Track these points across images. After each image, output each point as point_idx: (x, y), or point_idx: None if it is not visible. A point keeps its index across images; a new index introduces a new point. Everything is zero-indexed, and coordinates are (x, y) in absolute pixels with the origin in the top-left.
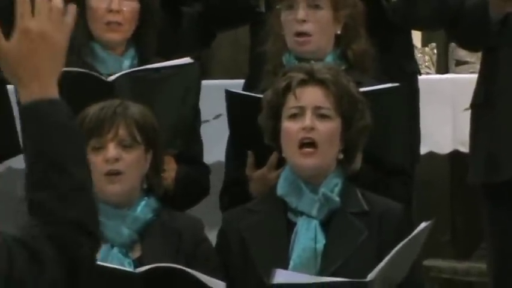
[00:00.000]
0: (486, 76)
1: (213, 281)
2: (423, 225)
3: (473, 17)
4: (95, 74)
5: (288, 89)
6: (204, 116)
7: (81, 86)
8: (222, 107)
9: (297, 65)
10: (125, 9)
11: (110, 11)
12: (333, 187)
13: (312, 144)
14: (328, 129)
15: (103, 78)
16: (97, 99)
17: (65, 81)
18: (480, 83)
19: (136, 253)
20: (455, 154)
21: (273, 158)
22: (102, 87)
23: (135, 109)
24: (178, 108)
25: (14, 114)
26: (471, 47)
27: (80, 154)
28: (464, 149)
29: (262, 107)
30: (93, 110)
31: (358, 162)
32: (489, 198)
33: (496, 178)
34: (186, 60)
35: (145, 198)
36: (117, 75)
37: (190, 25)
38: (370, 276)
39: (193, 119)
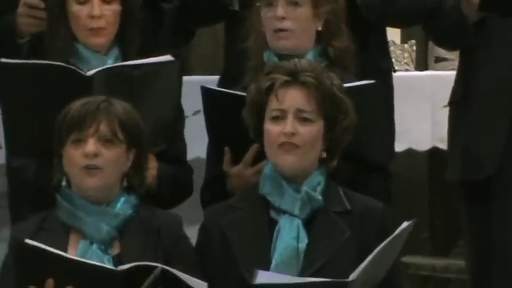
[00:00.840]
0: (464, 75)
1: (194, 281)
2: (404, 224)
3: (450, 18)
4: (73, 67)
5: (271, 89)
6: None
7: (59, 80)
8: (201, 103)
9: (281, 63)
10: (106, 13)
11: (92, 17)
12: (315, 186)
13: (293, 145)
14: (309, 133)
15: (82, 72)
16: (75, 94)
17: (44, 75)
18: (458, 81)
19: (116, 250)
20: (434, 151)
21: (249, 154)
22: (81, 82)
23: (119, 106)
24: (159, 106)
25: None
26: (448, 47)
27: None
28: (444, 146)
29: (243, 103)
30: (77, 104)
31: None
32: (467, 196)
33: (473, 177)
34: (167, 57)
35: (125, 195)
36: (95, 70)
37: (171, 22)
38: (352, 276)
39: (176, 118)
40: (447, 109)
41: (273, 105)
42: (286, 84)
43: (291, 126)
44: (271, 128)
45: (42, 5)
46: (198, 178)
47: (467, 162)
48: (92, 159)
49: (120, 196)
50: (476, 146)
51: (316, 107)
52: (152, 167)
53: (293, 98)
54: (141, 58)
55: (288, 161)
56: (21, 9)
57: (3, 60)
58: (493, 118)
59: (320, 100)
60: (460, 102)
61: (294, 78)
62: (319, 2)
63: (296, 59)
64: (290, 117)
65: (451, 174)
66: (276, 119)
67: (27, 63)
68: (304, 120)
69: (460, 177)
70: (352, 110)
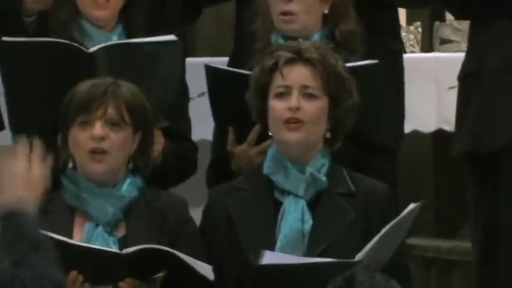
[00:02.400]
0: (478, 46)
1: (200, 264)
2: (411, 206)
3: None
4: (75, 44)
5: (275, 67)
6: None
7: (61, 57)
8: (206, 85)
9: (285, 43)
10: None
11: None
12: (320, 167)
13: (298, 121)
14: (314, 108)
15: (83, 49)
16: (78, 70)
17: (46, 52)
18: (469, 53)
19: (121, 232)
20: (439, 133)
21: (253, 134)
22: (83, 58)
23: (126, 89)
24: (161, 84)
25: None
26: (467, 18)
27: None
28: (449, 127)
29: (247, 82)
30: (84, 86)
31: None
32: (475, 173)
33: (484, 149)
34: (170, 37)
35: (131, 177)
36: (97, 46)
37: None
38: (358, 257)
39: (181, 96)
40: (452, 91)
41: (278, 82)
42: (290, 61)
43: (296, 101)
44: (276, 104)
45: None
46: (204, 160)
47: (478, 134)
48: (99, 142)
49: (126, 178)
50: (489, 118)
51: (321, 84)
52: (159, 142)
53: (298, 74)
54: (146, 36)
55: (293, 137)
56: None
57: (5, 38)
58: (508, 90)
59: (325, 77)
60: (473, 75)
61: (298, 55)
62: None
63: (300, 39)
64: (295, 93)
65: (459, 147)
66: (280, 95)
67: (28, 41)
68: (309, 96)
69: (471, 149)
70: (355, 91)
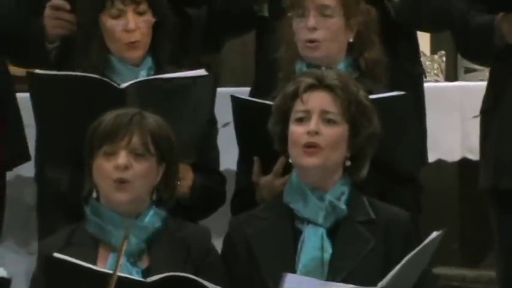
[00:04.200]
0: (496, 81)
1: None
2: (434, 234)
3: (478, 38)
4: (107, 80)
5: (296, 93)
6: None
7: (93, 92)
8: (231, 116)
9: (308, 70)
10: (141, 25)
11: (127, 31)
12: (339, 195)
13: (315, 145)
14: (333, 134)
15: (115, 84)
16: (109, 106)
17: (78, 86)
18: (490, 88)
19: (145, 263)
20: (464, 162)
21: (279, 164)
22: (114, 94)
23: (152, 120)
24: (191, 120)
25: (24, 122)
26: (475, 62)
27: None
28: (473, 156)
29: (270, 112)
30: (110, 116)
31: (365, 170)
32: (498, 204)
33: (504, 184)
34: (201, 72)
35: (154, 208)
36: (129, 82)
37: (199, 28)
38: (381, 284)
39: (210, 129)
40: (477, 120)
41: (298, 107)
42: (311, 87)
43: (315, 125)
44: (295, 129)
45: (67, 6)
46: (228, 190)
47: (499, 168)
48: (123, 171)
49: (150, 209)
50: (509, 153)
51: (341, 110)
52: (188, 178)
53: (318, 99)
54: (172, 66)
55: (310, 162)
56: (47, 11)
57: (38, 71)
58: None
59: (345, 103)
60: (492, 110)
61: (319, 82)
62: (351, 13)
63: (323, 68)
64: (314, 118)
65: (483, 182)
66: (300, 120)
67: (60, 75)
68: (329, 122)
69: (492, 185)
70: (376, 120)
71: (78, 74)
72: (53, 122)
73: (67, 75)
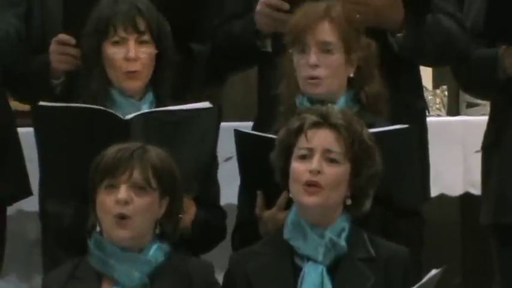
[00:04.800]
0: (497, 116)
1: None
2: (434, 272)
3: (480, 71)
4: (111, 111)
5: (300, 129)
6: None
7: (97, 123)
8: (233, 149)
9: (314, 106)
10: (142, 56)
11: (128, 59)
12: (339, 231)
13: (316, 185)
14: (335, 173)
15: (119, 116)
16: (112, 138)
17: (81, 118)
18: (491, 123)
19: None
20: (466, 196)
21: (283, 198)
22: (118, 126)
23: (154, 154)
24: (196, 152)
25: (25, 156)
26: (476, 96)
27: None
28: (476, 191)
29: (274, 146)
30: (112, 150)
31: (367, 204)
32: (499, 239)
33: (506, 220)
34: (205, 104)
35: (157, 242)
36: (134, 114)
37: (202, 63)
38: None
39: (211, 163)
40: (479, 154)
41: (302, 144)
42: (316, 125)
43: (317, 164)
44: (298, 166)
45: (73, 41)
46: (230, 224)
47: (500, 205)
48: (123, 206)
49: (153, 243)
50: (510, 190)
51: (344, 149)
52: (190, 211)
53: (322, 138)
54: (174, 101)
55: (311, 201)
56: (53, 47)
57: (42, 103)
58: None
59: (349, 143)
60: (492, 146)
61: (324, 119)
62: (351, 48)
63: (329, 104)
64: (317, 156)
65: (484, 218)
66: (303, 157)
67: (65, 107)
68: (331, 161)
69: (493, 220)
70: (379, 159)
71: (82, 105)
72: (56, 154)
73: (71, 107)
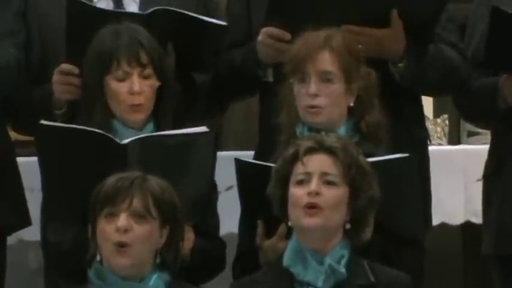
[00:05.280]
0: (497, 145)
1: None
2: None
3: (481, 100)
4: (109, 135)
5: (296, 157)
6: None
7: (95, 147)
8: (234, 178)
9: (308, 135)
10: (145, 89)
11: (132, 93)
12: (339, 258)
13: (316, 206)
14: (333, 195)
15: (116, 140)
16: (110, 162)
17: (80, 140)
18: (492, 152)
19: None
20: (467, 225)
21: (283, 227)
22: (115, 150)
23: (154, 183)
24: (193, 177)
25: (25, 186)
26: (477, 125)
27: None
28: (477, 220)
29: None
30: (112, 179)
31: (368, 232)
32: (501, 269)
33: (506, 250)
34: (202, 128)
35: (158, 271)
36: (130, 139)
37: (203, 93)
38: None
39: (210, 192)
40: (480, 183)
41: (298, 170)
42: (311, 150)
43: (316, 186)
44: (296, 191)
45: (76, 71)
46: (231, 253)
47: (501, 235)
48: (123, 234)
49: (153, 272)
50: (510, 218)
51: (341, 172)
52: (189, 239)
53: (318, 162)
54: (174, 129)
55: (311, 222)
56: (56, 77)
57: (43, 122)
58: None
59: (345, 166)
60: (493, 175)
61: (319, 145)
62: (351, 78)
63: (323, 132)
64: (315, 179)
65: (485, 247)
66: (300, 182)
67: (64, 127)
68: (329, 183)
69: (494, 251)
70: (376, 184)
71: (81, 127)
72: (56, 176)
73: (71, 128)
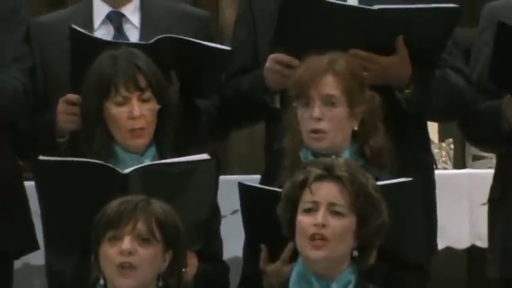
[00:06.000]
0: (502, 169)
1: None
2: None
3: (486, 122)
4: (110, 165)
5: (305, 183)
6: (221, 211)
7: (96, 178)
8: (238, 203)
9: (318, 159)
10: (145, 113)
11: (132, 118)
12: (346, 284)
13: (322, 239)
14: (340, 226)
15: (117, 170)
16: (112, 192)
17: (81, 172)
18: (496, 177)
19: None
20: (473, 249)
21: (287, 251)
22: (117, 180)
23: (158, 206)
24: (195, 205)
25: (32, 210)
26: (483, 149)
27: None
28: (482, 244)
29: (279, 200)
30: (115, 202)
31: (372, 258)
32: None
33: (510, 275)
34: (204, 156)
35: None
36: (132, 168)
37: (206, 119)
38: None
39: (213, 217)
40: (485, 207)
41: (307, 197)
42: (320, 177)
43: (323, 218)
44: (303, 219)
45: (81, 101)
46: (236, 277)
47: (507, 259)
48: (127, 257)
49: None
50: None
51: (349, 202)
52: (192, 265)
53: (326, 191)
54: (176, 155)
55: (317, 255)
56: (60, 106)
57: (41, 157)
58: None
59: (353, 195)
60: (499, 200)
61: (328, 172)
62: (355, 102)
63: (334, 156)
64: (322, 209)
65: (491, 272)
66: (308, 211)
67: (64, 161)
68: (336, 214)
69: (500, 275)
70: (385, 211)
71: (81, 160)
72: (57, 208)
73: (70, 161)
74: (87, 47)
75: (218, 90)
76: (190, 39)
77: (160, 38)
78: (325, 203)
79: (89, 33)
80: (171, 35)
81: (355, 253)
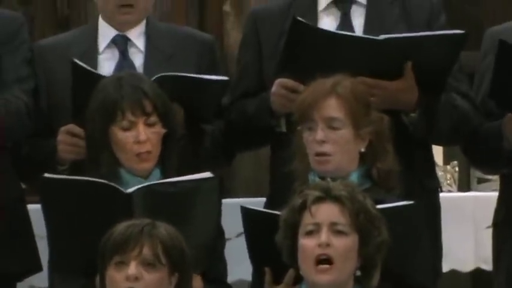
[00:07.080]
0: (507, 192)
1: None
2: None
3: (487, 143)
4: (113, 185)
5: (303, 206)
6: (226, 234)
7: (99, 197)
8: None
9: (314, 183)
10: (151, 137)
11: (138, 142)
12: None
13: (328, 260)
14: (344, 245)
15: (121, 189)
16: (115, 211)
17: (84, 191)
18: (501, 200)
19: None
20: (477, 272)
21: (290, 274)
22: (120, 199)
23: (163, 230)
24: (199, 224)
25: (35, 232)
26: (486, 171)
27: None
28: (487, 266)
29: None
30: (121, 226)
31: (376, 279)
32: None
33: None
34: (206, 174)
35: None
36: (135, 187)
37: (213, 144)
38: None
39: (217, 238)
40: (490, 230)
41: (307, 220)
42: (318, 199)
43: (326, 237)
44: (306, 242)
45: (82, 134)
46: None
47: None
48: (133, 282)
49: None
50: None
51: (349, 220)
52: (198, 287)
53: (327, 211)
54: (180, 176)
55: (324, 279)
56: (61, 136)
57: (47, 174)
58: None
59: (354, 214)
60: (503, 222)
61: (326, 193)
62: (360, 123)
63: (329, 179)
64: (324, 229)
65: None
66: (310, 233)
67: (68, 179)
68: (339, 233)
69: None
70: (384, 229)
71: (85, 178)
72: (61, 227)
73: (74, 180)
74: (88, 81)
75: (216, 116)
76: (187, 74)
77: (160, 76)
78: (327, 223)
79: (91, 69)
80: (167, 74)
81: (358, 273)
